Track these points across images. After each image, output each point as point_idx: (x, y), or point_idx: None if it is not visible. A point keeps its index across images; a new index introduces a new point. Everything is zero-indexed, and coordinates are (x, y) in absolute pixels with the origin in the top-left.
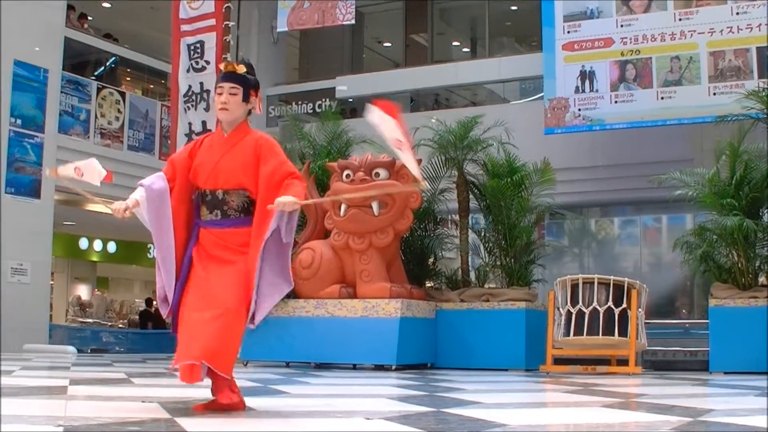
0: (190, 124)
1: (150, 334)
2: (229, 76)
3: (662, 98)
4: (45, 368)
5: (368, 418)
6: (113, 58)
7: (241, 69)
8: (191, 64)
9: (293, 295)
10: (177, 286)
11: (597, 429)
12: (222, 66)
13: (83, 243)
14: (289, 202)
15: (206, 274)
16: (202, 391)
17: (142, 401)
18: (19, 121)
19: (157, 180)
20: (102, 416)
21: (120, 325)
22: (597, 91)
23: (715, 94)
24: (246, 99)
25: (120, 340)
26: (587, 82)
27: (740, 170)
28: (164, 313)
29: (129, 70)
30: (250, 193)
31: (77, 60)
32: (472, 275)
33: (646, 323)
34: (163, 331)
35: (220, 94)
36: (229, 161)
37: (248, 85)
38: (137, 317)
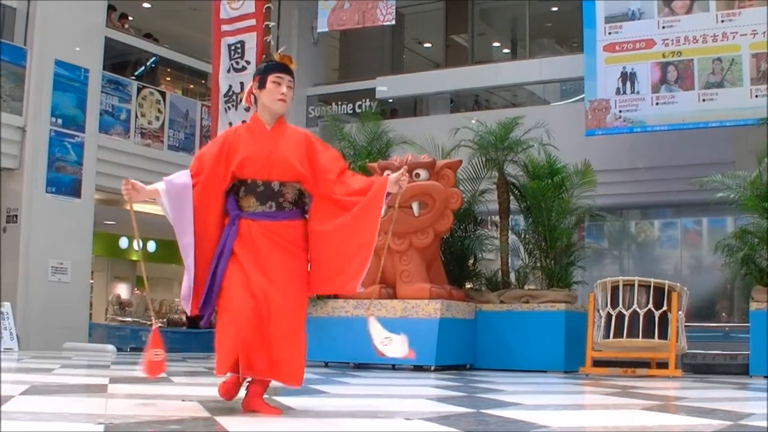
0: (230, 123)
1: (189, 333)
2: (288, 70)
3: (704, 100)
4: (85, 366)
5: (408, 419)
6: (153, 58)
7: (294, 66)
8: (231, 64)
9: (333, 295)
10: (212, 281)
11: None
12: (277, 57)
13: (123, 242)
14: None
15: (258, 270)
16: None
17: (182, 400)
18: (59, 121)
19: (179, 176)
20: (142, 414)
21: (159, 324)
22: (638, 92)
23: (757, 96)
24: None
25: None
26: (628, 84)
27: None
28: (188, 310)
29: (169, 70)
30: (303, 184)
31: (118, 60)
32: (512, 276)
33: (686, 326)
34: (203, 330)
35: (279, 84)
36: (284, 152)
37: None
38: (176, 316)
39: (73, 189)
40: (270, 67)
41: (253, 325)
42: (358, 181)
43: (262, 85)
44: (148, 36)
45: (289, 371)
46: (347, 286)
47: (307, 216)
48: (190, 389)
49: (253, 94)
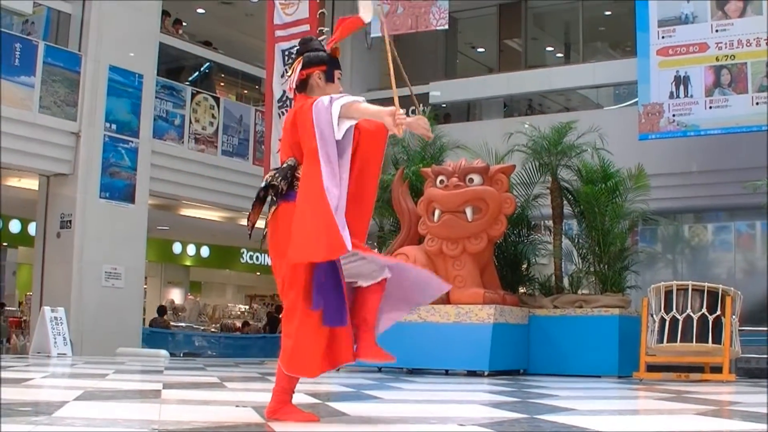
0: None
1: (242, 338)
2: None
3: (757, 103)
4: (138, 371)
5: (461, 425)
6: (208, 64)
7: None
8: (285, 69)
9: None
10: None
11: None
12: (335, 52)
13: (177, 247)
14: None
15: None
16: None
17: (236, 406)
18: (114, 126)
19: None
20: (195, 420)
21: (212, 329)
22: (691, 96)
23: None
24: None
25: (212, 344)
26: (682, 88)
27: None
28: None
29: (223, 75)
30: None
31: (172, 65)
32: (566, 281)
33: (740, 330)
34: (255, 336)
35: (339, 80)
36: None
37: None
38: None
39: (127, 194)
40: (336, 62)
41: None
42: None
43: (330, 79)
44: (207, 44)
45: None
46: None
47: None
48: (244, 395)
49: (311, 80)
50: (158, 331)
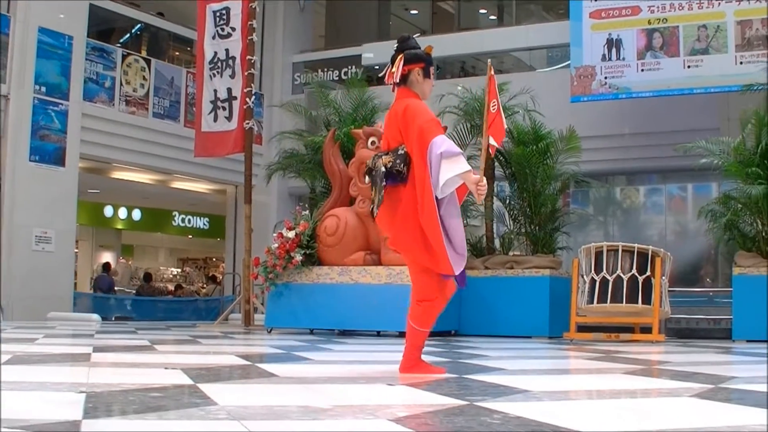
0: (215, 91)
1: (175, 301)
2: None
3: (689, 67)
4: (69, 336)
5: (390, 384)
6: (139, 25)
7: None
8: (217, 30)
9: (317, 261)
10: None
11: (619, 396)
12: (429, 50)
13: (108, 211)
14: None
15: None
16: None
17: (165, 368)
18: (43, 89)
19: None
20: (125, 382)
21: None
22: (624, 59)
23: (741, 63)
24: None
25: (145, 307)
26: (614, 51)
27: (766, 139)
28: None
29: (154, 36)
30: None
31: (102, 27)
32: (497, 243)
33: (670, 291)
34: (187, 299)
35: (433, 77)
36: None
37: None
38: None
39: (57, 157)
40: (431, 60)
41: None
42: None
43: (427, 75)
44: (133, 4)
45: None
46: None
47: None
48: (174, 357)
49: (411, 75)
50: (89, 295)
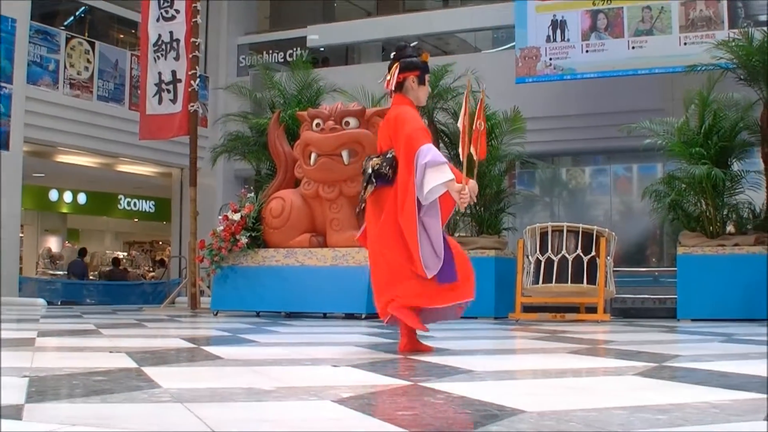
0: (159, 73)
1: (120, 285)
2: None
3: (633, 48)
4: (14, 321)
5: (335, 366)
6: (83, 8)
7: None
8: (161, 13)
9: (263, 244)
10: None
11: (564, 375)
12: (426, 57)
13: (53, 195)
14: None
15: None
16: (169, 341)
17: (110, 351)
18: None
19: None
20: (69, 366)
21: (90, 277)
22: (568, 40)
23: (685, 44)
24: None
25: (90, 292)
26: (559, 32)
27: (709, 120)
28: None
29: (98, 19)
30: None
31: (46, 10)
32: None
33: (615, 271)
34: (133, 282)
35: (429, 81)
36: None
37: None
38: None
39: (1, 141)
40: (426, 67)
41: None
42: None
43: (422, 82)
44: None
45: None
46: None
47: None
48: (119, 341)
49: (406, 83)
50: (35, 279)
